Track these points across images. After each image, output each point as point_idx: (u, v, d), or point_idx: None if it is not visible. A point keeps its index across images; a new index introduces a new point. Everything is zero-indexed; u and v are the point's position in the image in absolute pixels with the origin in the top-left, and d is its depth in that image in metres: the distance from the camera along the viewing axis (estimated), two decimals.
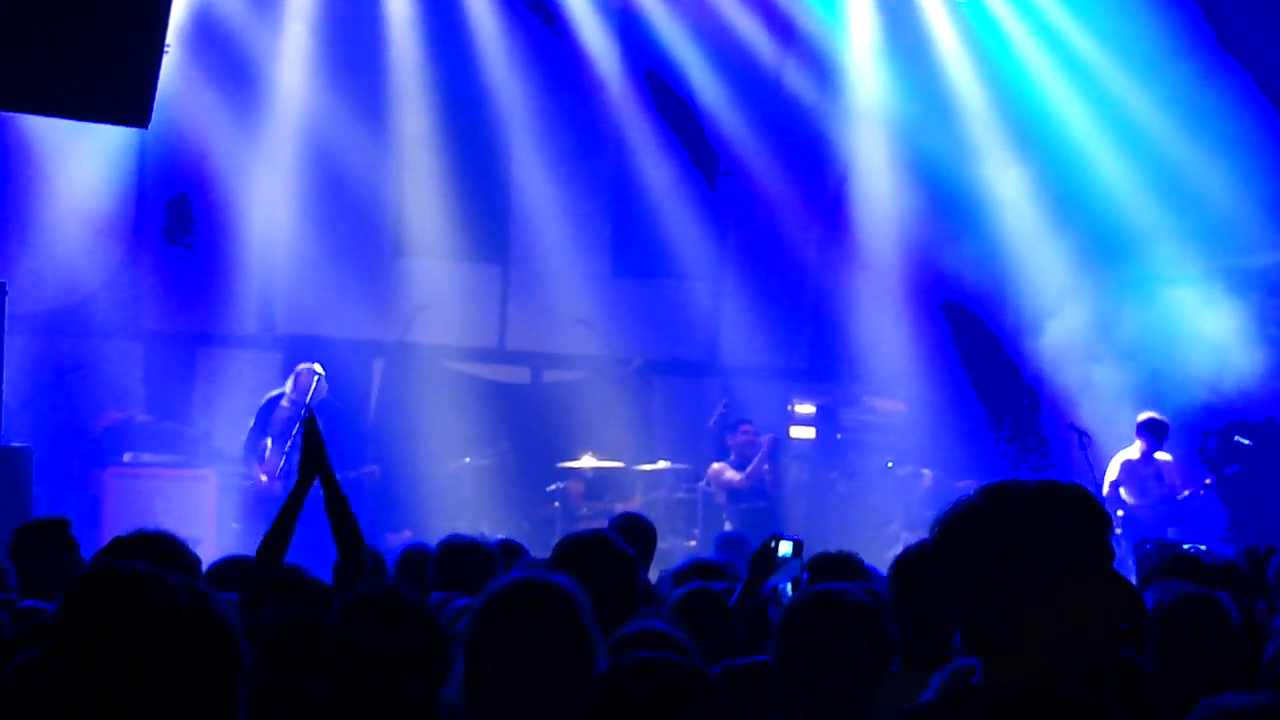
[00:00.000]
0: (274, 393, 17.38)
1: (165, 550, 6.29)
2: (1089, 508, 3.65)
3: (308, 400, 16.67)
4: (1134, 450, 17.32)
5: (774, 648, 5.23)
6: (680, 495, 18.46)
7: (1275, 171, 18.19)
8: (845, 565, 7.76)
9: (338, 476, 6.77)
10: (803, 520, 19.52)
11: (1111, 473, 17.28)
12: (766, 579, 7.55)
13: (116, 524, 15.67)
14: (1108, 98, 19.00)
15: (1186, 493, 17.22)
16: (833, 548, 8.04)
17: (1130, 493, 17.20)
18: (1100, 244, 19.01)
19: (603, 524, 11.82)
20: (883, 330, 19.86)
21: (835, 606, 5.22)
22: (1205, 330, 18.19)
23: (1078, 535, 3.60)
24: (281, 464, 16.79)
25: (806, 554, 7.88)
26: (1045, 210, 19.29)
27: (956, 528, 3.66)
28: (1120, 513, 16.90)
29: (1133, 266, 18.92)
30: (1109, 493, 17.13)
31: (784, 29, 20.03)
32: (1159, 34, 18.30)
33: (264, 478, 16.78)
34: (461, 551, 8.77)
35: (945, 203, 19.51)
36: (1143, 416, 17.38)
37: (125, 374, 18.17)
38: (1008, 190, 19.37)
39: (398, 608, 4.79)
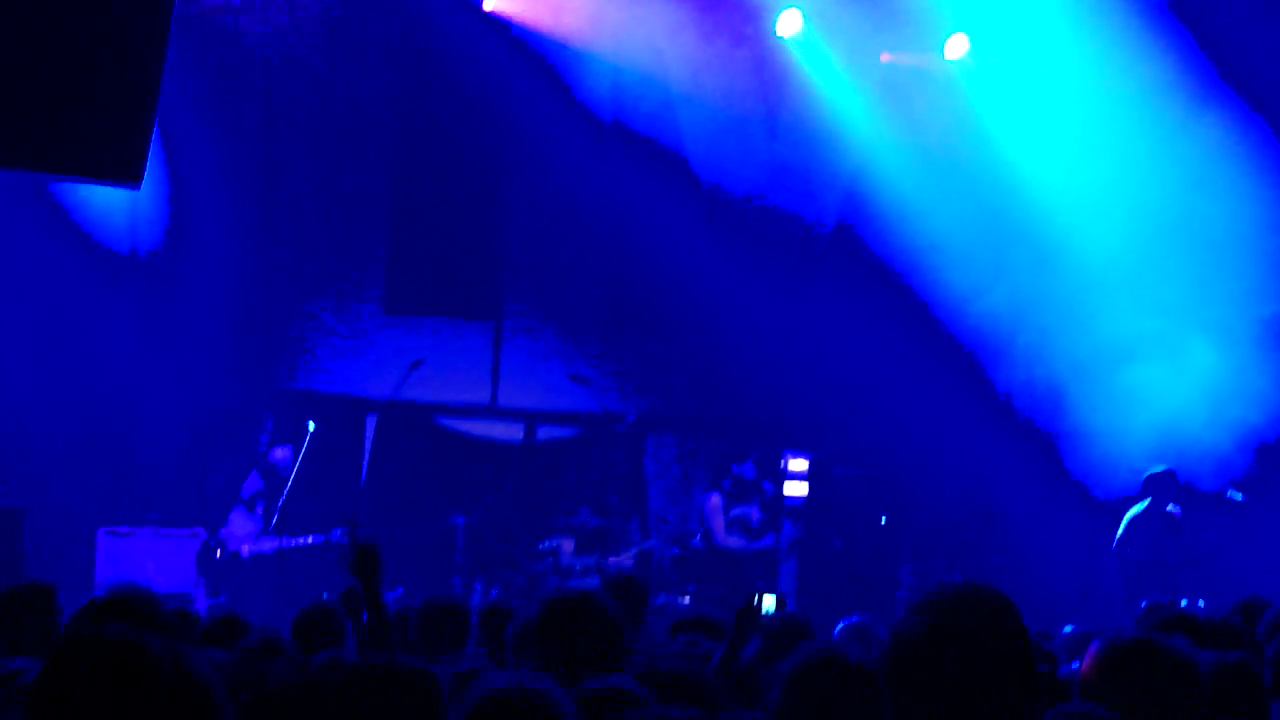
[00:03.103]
0: (249, 464, 17.58)
1: (149, 610, 6.27)
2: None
3: (286, 474, 16.82)
4: (1142, 505, 17.31)
5: (775, 706, 5.19)
6: (673, 552, 18.42)
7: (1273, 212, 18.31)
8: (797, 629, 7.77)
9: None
10: (797, 577, 19.49)
11: (1123, 530, 17.30)
12: (751, 636, 7.53)
13: (109, 582, 15.65)
14: (1102, 138, 18.99)
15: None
16: (829, 605, 8.03)
17: (1142, 549, 17.17)
18: (1093, 287, 19.02)
19: (596, 581, 11.79)
20: (876, 384, 19.86)
21: (840, 669, 5.19)
22: (1202, 378, 18.25)
23: None
24: (262, 531, 16.90)
25: (808, 611, 7.87)
26: (1041, 257, 19.34)
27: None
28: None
29: (1123, 313, 18.93)
30: (1116, 550, 17.17)
31: (777, 83, 20.09)
32: (1153, 69, 18.35)
33: (246, 549, 16.87)
34: (440, 613, 8.75)
35: (941, 253, 19.56)
36: (1153, 470, 17.42)
37: (118, 430, 18.13)
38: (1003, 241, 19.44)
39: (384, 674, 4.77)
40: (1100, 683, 5.08)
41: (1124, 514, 17.37)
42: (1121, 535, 17.26)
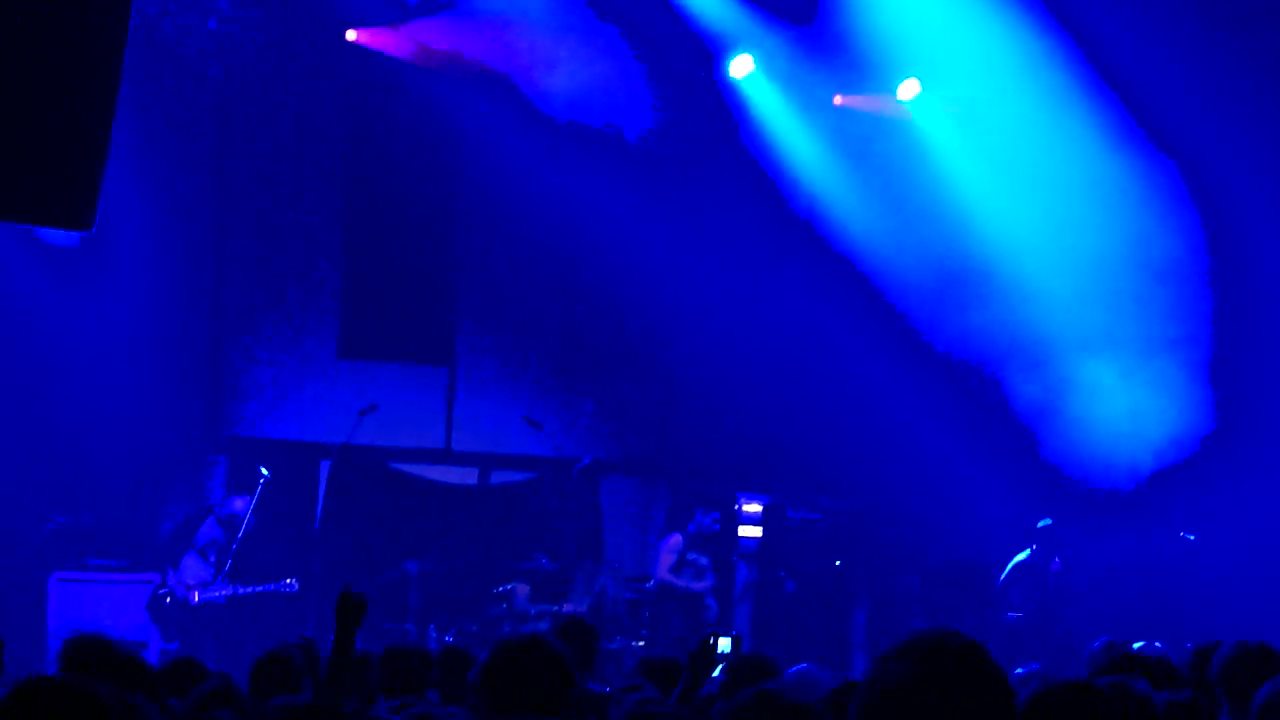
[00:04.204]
0: (205, 511, 17.56)
1: (123, 661, 6.26)
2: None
3: (242, 524, 16.80)
4: (1025, 554, 18.07)
5: None
6: (628, 596, 18.38)
7: (1191, 250, 18.68)
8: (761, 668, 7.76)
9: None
10: (750, 620, 19.49)
11: (1007, 574, 18.04)
12: (706, 677, 7.55)
13: (61, 629, 15.56)
14: (1049, 176, 19.24)
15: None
16: (782, 648, 8.04)
17: (1020, 594, 17.89)
18: (1047, 318, 19.25)
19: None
20: (832, 427, 19.91)
21: (778, 709, 5.18)
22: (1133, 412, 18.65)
23: None
24: (214, 578, 16.83)
25: (758, 653, 7.86)
26: (995, 291, 19.51)
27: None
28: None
29: (1078, 343, 19.22)
30: (999, 591, 18.07)
31: (729, 125, 20.17)
32: (1090, 127, 18.69)
33: (196, 595, 16.78)
34: (404, 658, 8.75)
35: (895, 292, 19.72)
36: (1042, 523, 18.15)
37: (71, 477, 18.02)
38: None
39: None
40: None
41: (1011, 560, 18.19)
42: (1004, 579, 18.06)
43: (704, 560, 18.38)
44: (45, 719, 3.40)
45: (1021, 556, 18.04)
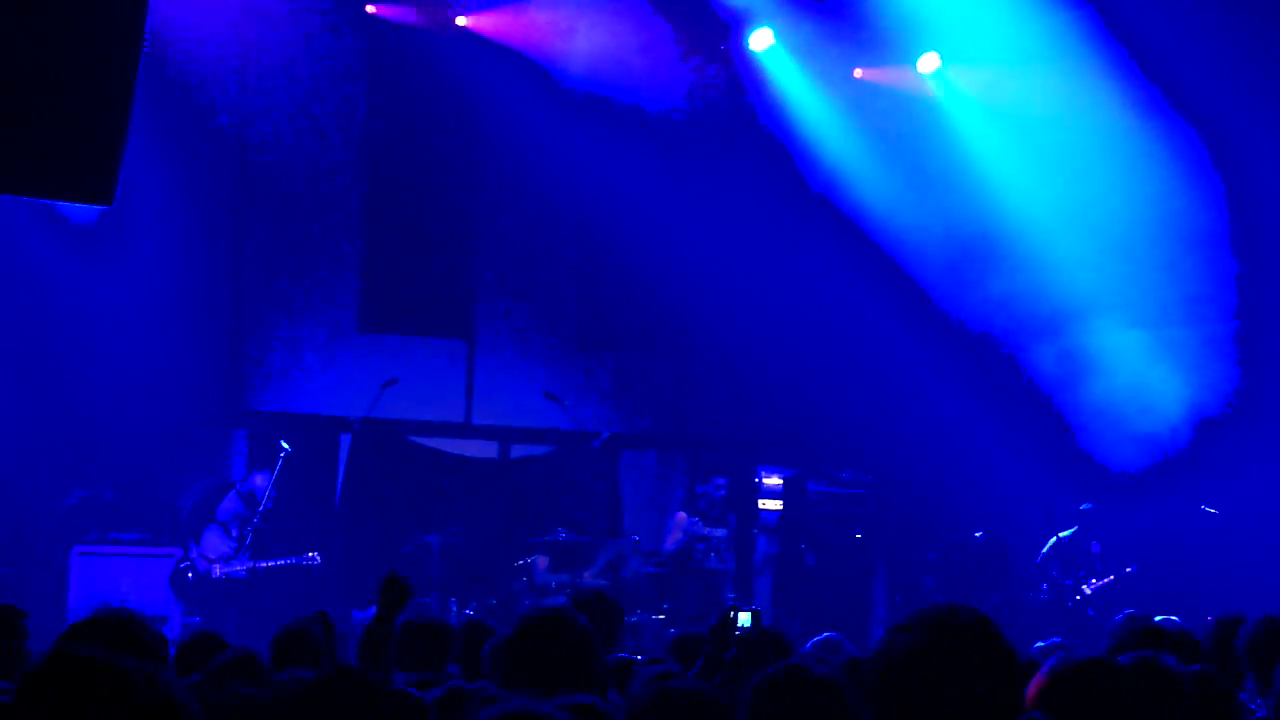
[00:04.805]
0: (227, 485, 17.59)
1: (128, 632, 6.25)
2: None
3: (263, 498, 16.81)
4: (1069, 532, 18.30)
5: (742, 717, 5.19)
6: (649, 569, 18.39)
7: (1215, 218, 18.64)
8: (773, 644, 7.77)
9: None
10: (770, 593, 19.49)
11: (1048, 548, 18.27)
12: (725, 650, 7.56)
13: (81, 603, 15.60)
14: (1069, 149, 19.20)
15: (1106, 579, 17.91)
16: (802, 621, 8.03)
17: (1058, 570, 18.14)
18: (1067, 288, 19.22)
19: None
20: (853, 400, 19.88)
21: (805, 682, 5.19)
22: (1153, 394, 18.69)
23: None
24: (235, 552, 16.85)
25: (780, 627, 7.87)
26: (1014, 264, 19.47)
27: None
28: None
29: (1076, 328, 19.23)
30: (1039, 565, 18.29)
31: (749, 97, 20.13)
32: (1110, 95, 18.64)
33: (218, 569, 16.80)
34: (425, 631, 8.76)
35: (914, 263, 19.68)
36: (1084, 506, 18.37)
37: (92, 451, 18.05)
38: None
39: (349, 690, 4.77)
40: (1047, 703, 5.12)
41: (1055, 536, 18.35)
42: (1046, 552, 18.23)
43: (721, 532, 18.43)
44: (71, 692, 3.41)
45: (1064, 534, 18.12)
